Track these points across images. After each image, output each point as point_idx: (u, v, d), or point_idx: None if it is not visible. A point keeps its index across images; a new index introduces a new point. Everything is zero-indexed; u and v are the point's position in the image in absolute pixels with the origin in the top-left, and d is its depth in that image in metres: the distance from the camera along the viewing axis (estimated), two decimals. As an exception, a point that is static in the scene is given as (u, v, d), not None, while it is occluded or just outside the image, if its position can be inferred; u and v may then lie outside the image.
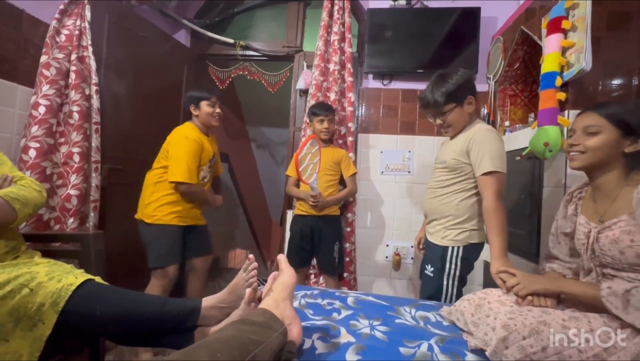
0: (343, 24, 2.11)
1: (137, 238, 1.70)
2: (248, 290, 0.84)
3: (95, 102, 1.66)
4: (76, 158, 1.55)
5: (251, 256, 0.94)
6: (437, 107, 1.25)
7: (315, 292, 1.21)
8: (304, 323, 0.92)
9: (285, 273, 0.84)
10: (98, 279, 0.93)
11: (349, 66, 2.09)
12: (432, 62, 2.14)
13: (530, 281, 0.88)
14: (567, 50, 1.31)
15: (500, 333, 0.74)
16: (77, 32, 1.60)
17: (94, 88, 1.65)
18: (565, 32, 1.32)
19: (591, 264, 0.87)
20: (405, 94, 2.24)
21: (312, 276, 2.10)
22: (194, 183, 1.58)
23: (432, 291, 1.29)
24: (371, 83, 2.29)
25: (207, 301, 0.92)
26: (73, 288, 0.84)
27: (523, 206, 1.59)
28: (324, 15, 2.11)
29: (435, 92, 1.24)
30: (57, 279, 0.84)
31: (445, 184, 1.29)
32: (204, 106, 1.67)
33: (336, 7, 2.11)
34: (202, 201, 1.71)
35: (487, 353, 0.76)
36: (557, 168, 1.36)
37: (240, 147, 3.95)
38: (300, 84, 2.21)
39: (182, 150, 1.56)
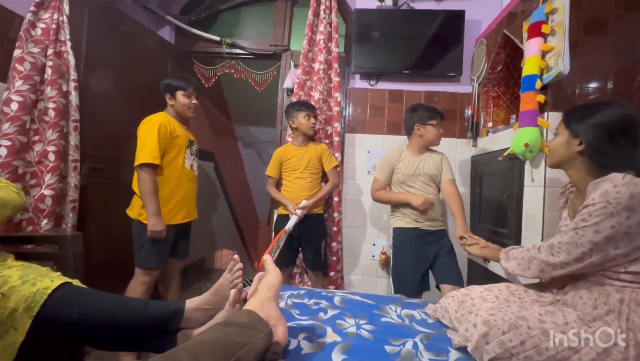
0: (330, 24, 2.12)
1: (119, 239, 1.65)
2: (232, 291, 0.83)
3: (74, 99, 1.60)
4: (51, 157, 1.50)
5: (236, 256, 0.93)
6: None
7: (302, 292, 1.21)
8: (290, 324, 0.92)
9: (270, 273, 0.83)
10: (76, 282, 0.90)
11: (335, 65, 2.09)
12: (418, 63, 2.17)
13: (475, 247, 1.24)
14: (546, 54, 1.36)
15: (481, 329, 0.76)
16: (54, 26, 1.54)
17: (72, 84, 1.59)
18: (545, 36, 1.36)
19: None
20: (391, 94, 2.26)
21: (297, 276, 2.10)
22: (157, 163, 1.50)
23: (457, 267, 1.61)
24: (358, 83, 2.30)
25: (191, 303, 0.90)
26: (48, 291, 0.80)
27: (505, 205, 1.63)
28: (310, 14, 2.11)
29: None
30: (31, 283, 0.81)
31: (435, 192, 1.68)
32: (180, 96, 1.64)
33: (322, 7, 2.11)
34: (151, 193, 1.49)
35: (468, 350, 0.78)
36: (537, 168, 1.40)
37: (226, 146, 3.90)
38: (288, 83, 2.20)
39: (144, 132, 1.51)
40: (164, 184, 1.56)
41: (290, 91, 2.26)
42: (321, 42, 2.09)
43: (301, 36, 2.19)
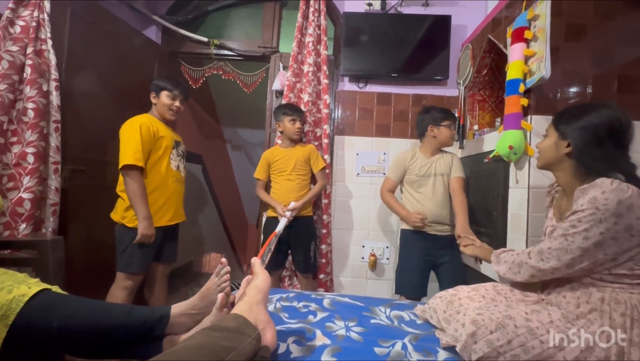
0: (319, 26, 2.12)
1: (103, 243, 1.60)
2: (220, 295, 0.81)
3: (55, 99, 1.55)
4: (30, 159, 1.44)
5: (224, 260, 0.91)
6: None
7: (291, 295, 1.20)
8: (279, 327, 0.91)
9: (259, 276, 0.82)
10: (55, 288, 0.86)
11: (324, 68, 2.10)
12: (406, 67, 2.20)
13: (470, 247, 1.25)
14: (529, 59, 1.39)
15: (469, 328, 0.76)
16: (34, 23, 1.49)
17: (53, 84, 1.54)
18: (527, 42, 1.40)
19: None
20: (380, 97, 2.28)
21: (287, 279, 2.08)
22: (144, 167, 1.48)
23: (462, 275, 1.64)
24: (347, 86, 2.31)
25: (177, 308, 0.88)
26: (26, 299, 0.77)
27: (491, 206, 1.66)
28: (299, 16, 2.11)
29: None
30: (7, 290, 0.77)
31: (446, 193, 1.69)
32: (164, 96, 1.62)
33: (311, 10, 2.11)
34: (140, 197, 1.46)
35: (457, 349, 0.78)
36: (521, 170, 1.43)
37: (215, 148, 3.86)
38: (277, 85, 2.19)
39: (126, 134, 1.49)
40: (149, 186, 1.53)
41: (279, 93, 2.25)
42: (310, 44, 2.09)
43: (290, 38, 2.19)
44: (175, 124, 1.82)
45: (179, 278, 2.91)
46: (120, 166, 1.46)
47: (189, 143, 1.90)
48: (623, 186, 0.75)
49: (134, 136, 1.46)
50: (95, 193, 1.81)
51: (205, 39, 2.30)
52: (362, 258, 2.22)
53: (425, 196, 1.67)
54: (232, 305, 0.82)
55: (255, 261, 0.87)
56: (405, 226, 1.71)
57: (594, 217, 0.74)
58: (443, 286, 1.59)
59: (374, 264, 2.18)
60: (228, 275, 0.90)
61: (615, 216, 0.73)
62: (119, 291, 1.50)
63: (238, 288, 0.85)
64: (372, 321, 1.00)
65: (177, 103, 1.65)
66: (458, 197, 1.61)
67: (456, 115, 2.12)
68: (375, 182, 2.24)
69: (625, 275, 0.76)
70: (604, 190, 0.75)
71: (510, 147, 1.37)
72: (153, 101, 1.65)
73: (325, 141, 2.10)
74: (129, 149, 1.45)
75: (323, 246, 2.07)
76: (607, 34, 1.38)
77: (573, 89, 1.40)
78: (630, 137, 0.85)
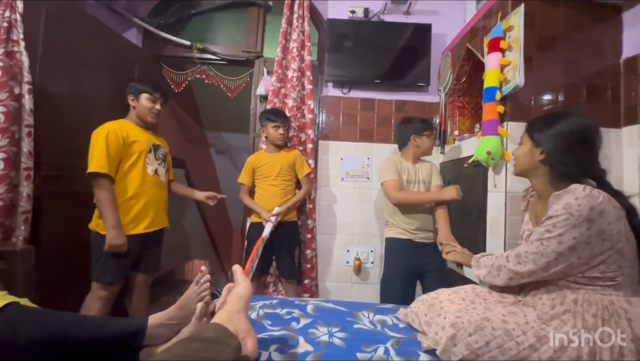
0: (303, 32, 2.14)
1: (78, 252, 1.54)
2: (199, 304, 0.79)
3: (28, 102, 1.49)
4: (0, 165, 1.38)
5: (203, 268, 0.89)
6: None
7: (275, 301, 1.18)
8: (261, 335, 0.89)
9: (240, 284, 0.81)
10: (24, 301, 0.82)
11: (308, 73, 2.11)
12: (389, 73, 2.24)
13: (452, 254, 1.25)
14: (504, 68, 1.45)
15: (449, 331, 0.78)
16: (5, 24, 1.43)
17: (26, 87, 1.48)
18: (503, 51, 1.46)
19: None
20: (364, 102, 2.31)
21: (271, 285, 2.06)
22: (111, 174, 1.45)
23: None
24: (331, 91, 2.33)
25: (155, 319, 0.85)
26: (-9, 313, 0.73)
27: (471, 210, 1.70)
28: (283, 22, 2.12)
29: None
30: (-30, 304, 0.73)
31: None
32: (144, 99, 1.60)
33: (295, 15, 2.13)
34: (107, 205, 1.44)
35: (437, 352, 0.79)
36: (499, 175, 1.48)
37: (198, 152, 3.80)
38: (261, 90, 2.19)
39: (92, 141, 1.47)
40: (123, 192, 1.50)
41: (263, 98, 2.25)
42: (294, 50, 2.10)
43: (274, 43, 2.19)
44: (156, 127, 1.78)
45: (160, 286, 2.83)
46: (87, 174, 1.44)
47: (171, 147, 1.86)
48: (595, 192, 0.78)
49: (99, 143, 1.44)
50: (72, 199, 1.74)
51: (187, 43, 2.28)
52: (347, 262, 2.23)
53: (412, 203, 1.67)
54: (212, 314, 0.80)
55: (237, 269, 0.85)
56: (390, 235, 1.70)
57: (568, 222, 0.77)
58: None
59: (358, 269, 2.18)
60: (208, 283, 0.88)
61: (588, 221, 0.76)
62: (95, 301, 1.45)
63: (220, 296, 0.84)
64: (356, 326, 1.00)
65: (157, 106, 1.63)
66: (440, 206, 1.62)
67: (437, 121, 2.18)
68: (359, 186, 2.26)
69: (597, 278, 0.80)
70: (577, 196, 0.78)
71: (488, 153, 1.41)
72: (132, 104, 1.62)
73: (310, 145, 2.10)
74: (93, 157, 1.43)
75: (308, 251, 2.07)
76: (574, 46, 1.45)
77: (546, 97, 1.46)
78: (599, 143, 0.89)
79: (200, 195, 1.82)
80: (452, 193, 1.56)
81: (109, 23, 2.09)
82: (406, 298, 1.59)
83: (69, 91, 1.77)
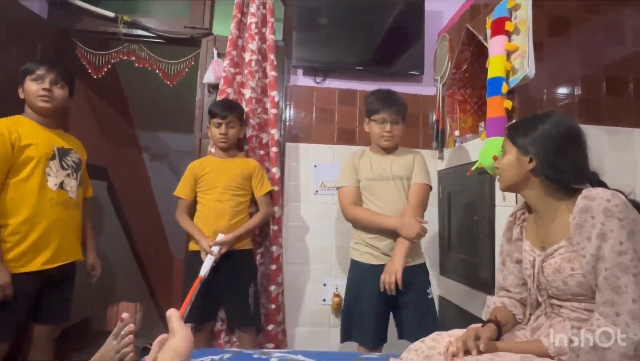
0: (264, 5, 2.15)
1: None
2: (117, 367, 0.75)
3: None
4: None
5: (125, 315, 0.87)
6: (402, 114, 1.66)
7: (226, 356, 1.16)
8: (203, 406, 0.86)
9: (176, 334, 0.77)
10: None
11: (271, 56, 2.12)
12: (374, 58, 2.30)
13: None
14: (511, 54, 1.52)
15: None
16: None
17: None
18: (509, 35, 1.53)
19: (539, 297, 1.00)
20: (342, 94, 2.34)
21: (222, 334, 2.00)
22: None
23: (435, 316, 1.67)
24: (301, 80, 2.35)
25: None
26: None
27: (476, 229, 1.75)
28: (238, -9, 2.12)
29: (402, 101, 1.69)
30: None
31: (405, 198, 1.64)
32: (28, 82, 1.54)
33: (254, -17, 2.14)
34: None
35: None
36: (508, 185, 1.53)
37: (125, 158, 3.69)
38: (210, 77, 2.17)
39: None
40: (12, 216, 1.43)
41: (213, 87, 2.22)
42: (253, 26, 2.10)
43: (227, 18, 2.19)
44: (63, 123, 1.70)
45: (71, 341, 2.68)
46: None
47: (88, 152, 1.79)
48: (606, 189, 0.87)
49: None
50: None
51: (111, 14, 2.23)
52: (324, 300, 2.21)
53: (378, 208, 1.61)
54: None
55: (172, 314, 0.82)
56: (354, 256, 1.69)
57: (625, 227, 0.82)
58: (407, 331, 1.57)
59: (338, 308, 2.17)
60: (131, 336, 0.86)
61: (634, 214, 0.84)
62: None
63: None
64: (332, 386, 0.99)
65: (45, 85, 1.55)
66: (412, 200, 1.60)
67: (434, 118, 2.24)
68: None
69: None
70: (606, 198, 0.84)
71: (495, 158, 1.46)
72: (21, 96, 1.57)
73: (274, 149, 2.09)
74: None
75: (272, 288, 2.03)
76: (592, 30, 1.56)
77: (561, 90, 1.55)
78: (586, 144, 0.98)
79: (91, 256, 1.79)
80: (413, 228, 1.51)
81: (1, -15, 1.99)
82: (377, 337, 1.57)
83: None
